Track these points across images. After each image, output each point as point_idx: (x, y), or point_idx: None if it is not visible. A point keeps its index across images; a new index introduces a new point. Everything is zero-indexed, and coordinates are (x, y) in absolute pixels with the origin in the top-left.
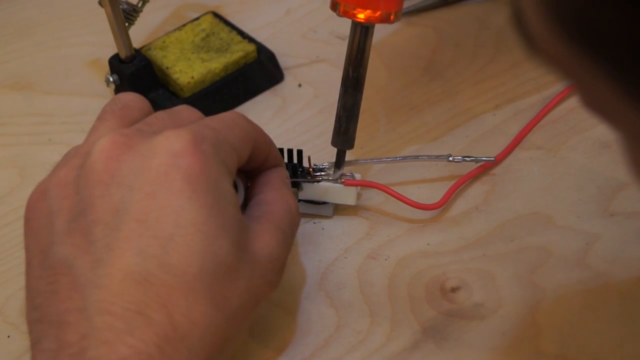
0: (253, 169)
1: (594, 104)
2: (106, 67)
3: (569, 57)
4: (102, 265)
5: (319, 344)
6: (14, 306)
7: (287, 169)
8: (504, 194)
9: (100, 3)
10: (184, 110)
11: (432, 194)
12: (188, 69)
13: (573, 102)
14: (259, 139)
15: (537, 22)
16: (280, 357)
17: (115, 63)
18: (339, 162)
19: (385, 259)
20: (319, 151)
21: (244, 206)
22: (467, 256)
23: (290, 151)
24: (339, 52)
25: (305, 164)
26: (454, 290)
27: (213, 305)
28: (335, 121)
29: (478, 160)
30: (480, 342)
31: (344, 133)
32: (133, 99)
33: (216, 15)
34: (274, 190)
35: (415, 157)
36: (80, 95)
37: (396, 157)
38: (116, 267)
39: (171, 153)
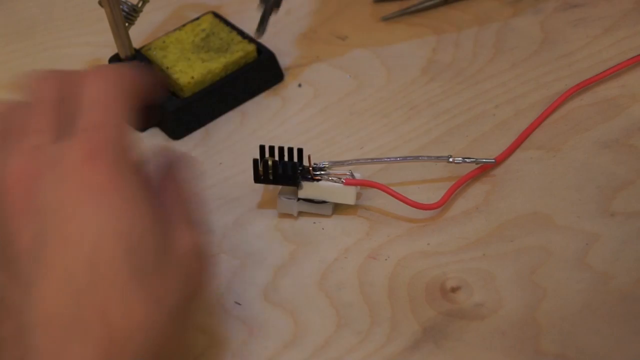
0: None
1: None
2: None
3: None
4: (33, 291)
5: (319, 344)
6: None
7: (287, 167)
8: (504, 194)
9: (100, 3)
10: (39, 110)
11: (432, 194)
12: (188, 69)
13: (574, 103)
14: (125, 89)
15: None
16: (280, 357)
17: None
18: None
19: (385, 259)
20: (319, 151)
21: None
22: (467, 256)
23: (290, 150)
24: (339, 52)
25: (306, 162)
26: (454, 290)
27: (150, 303)
28: None
29: (478, 161)
30: (480, 342)
31: None
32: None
33: (216, 15)
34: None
35: (416, 158)
36: None
37: (396, 158)
38: (47, 290)
39: (78, 172)
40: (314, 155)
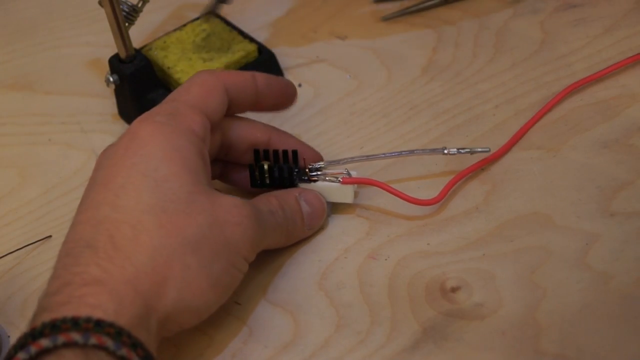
0: (260, 102)
1: None
2: (106, 67)
3: None
4: (73, 224)
5: (319, 344)
6: (14, 306)
7: (283, 170)
8: (504, 194)
9: (100, 3)
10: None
11: (433, 191)
12: (189, 69)
13: (573, 102)
14: (230, 81)
15: None
16: (280, 357)
17: (115, 63)
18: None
19: (385, 259)
20: (320, 151)
21: None
22: (467, 256)
23: (285, 152)
24: (339, 52)
25: (301, 164)
26: (454, 290)
27: (163, 232)
28: None
29: (473, 151)
30: (480, 342)
31: None
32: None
33: (216, 15)
34: None
35: (411, 152)
36: (80, 95)
37: (392, 153)
38: (79, 220)
39: (131, 132)
40: None
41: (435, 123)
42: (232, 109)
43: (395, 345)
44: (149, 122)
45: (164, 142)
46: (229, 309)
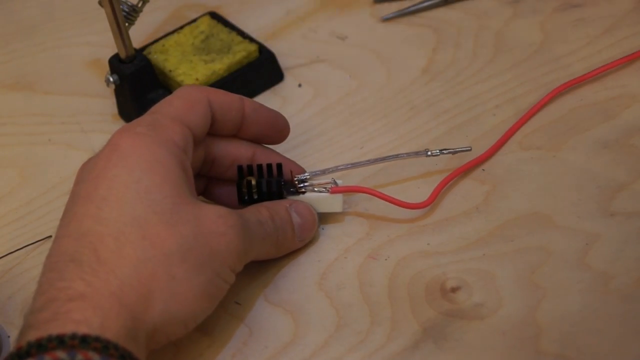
0: (243, 127)
1: None
2: (106, 67)
3: None
4: (56, 238)
5: (319, 344)
6: (14, 306)
7: (272, 184)
8: (504, 194)
9: (100, 3)
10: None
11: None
12: (191, 71)
13: (573, 102)
14: (214, 98)
15: None
16: (280, 357)
17: (115, 63)
18: None
19: (385, 259)
20: (319, 151)
21: None
22: (467, 256)
23: (269, 166)
24: (339, 52)
25: (287, 176)
26: (454, 290)
27: (146, 243)
28: None
29: (455, 151)
30: (480, 342)
31: None
32: None
33: (213, 16)
34: None
35: (395, 157)
36: (80, 95)
37: (377, 159)
38: (62, 234)
39: (112, 143)
40: (314, 155)
41: (435, 123)
42: (216, 128)
43: (395, 345)
44: (130, 134)
45: (146, 153)
46: (229, 309)
